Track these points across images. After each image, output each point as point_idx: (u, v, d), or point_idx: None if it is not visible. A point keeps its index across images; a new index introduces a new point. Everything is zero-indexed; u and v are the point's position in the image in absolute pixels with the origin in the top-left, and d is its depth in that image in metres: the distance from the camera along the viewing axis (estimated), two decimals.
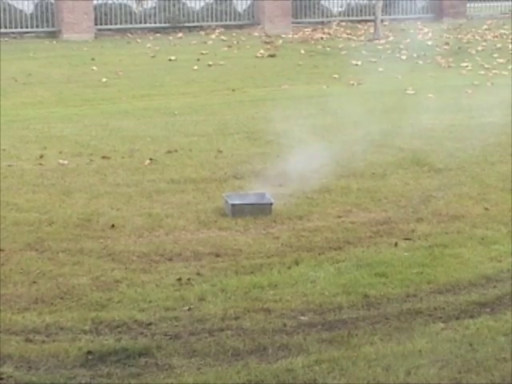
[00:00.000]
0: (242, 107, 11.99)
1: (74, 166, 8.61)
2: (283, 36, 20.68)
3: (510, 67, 15.47)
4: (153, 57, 17.49)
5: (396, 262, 5.93)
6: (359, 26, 22.13)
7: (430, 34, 20.77)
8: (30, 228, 6.69)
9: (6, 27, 20.64)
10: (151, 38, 20.62)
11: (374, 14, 20.99)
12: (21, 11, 20.93)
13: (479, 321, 5.02)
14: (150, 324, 4.99)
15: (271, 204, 7.10)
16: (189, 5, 22.42)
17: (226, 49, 18.66)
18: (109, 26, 21.46)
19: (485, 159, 8.70)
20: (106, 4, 21.71)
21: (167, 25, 21.83)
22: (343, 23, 22.75)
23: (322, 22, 22.86)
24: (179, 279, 5.65)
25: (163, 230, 6.70)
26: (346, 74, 15.02)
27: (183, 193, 7.67)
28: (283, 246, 6.31)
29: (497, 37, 20.32)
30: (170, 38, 20.59)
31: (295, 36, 20.94)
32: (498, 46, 18.66)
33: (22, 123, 10.87)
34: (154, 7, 22.25)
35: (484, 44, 19.04)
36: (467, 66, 15.79)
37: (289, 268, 5.86)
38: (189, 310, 5.17)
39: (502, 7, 25.54)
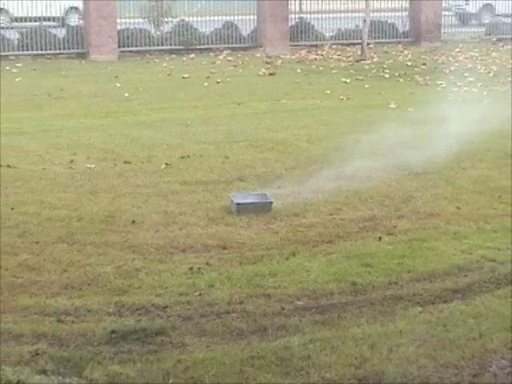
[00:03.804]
0: (246, 119, 11.99)
1: (99, 170, 8.61)
2: (282, 57, 20.68)
3: (479, 85, 15.45)
4: (169, 75, 17.49)
5: (380, 254, 5.93)
6: (348, 49, 22.11)
7: (409, 56, 20.77)
8: (62, 223, 6.70)
9: (42, 49, 20.65)
10: (167, 58, 20.63)
11: (361, 38, 20.98)
12: (55, 35, 20.96)
13: (452, 305, 5.02)
14: (166, 307, 4.99)
15: (271, 203, 7.10)
16: (200, 29, 22.45)
17: (232, 68, 18.66)
18: (130, 48, 21.46)
19: (457, 165, 8.69)
20: (128, 29, 21.73)
21: (181, 47, 21.82)
22: (334, 46, 22.73)
23: (316, 45, 22.84)
24: (191, 268, 5.64)
25: (177, 225, 6.70)
26: (337, 90, 15.03)
27: (194, 193, 7.67)
28: (282, 240, 6.31)
29: (467, 58, 20.29)
30: (184, 58, 20.59)
31: (292, 57, 20.93)
32: (469, 66, 18.63)
33: (55, 132, 10.88)
34: (170, 32, 22.27)
35: (456, 65, 19.02)
36: (442, 84, 15.77)
37: (286, 259, 5.86)
38: (199, 295, 5.17)
39: (473, 33, 25.55)
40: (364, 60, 19.78)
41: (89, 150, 9.66)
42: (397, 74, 17.40)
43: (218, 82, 16.14)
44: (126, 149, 9.69)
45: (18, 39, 20.71)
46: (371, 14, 21.50)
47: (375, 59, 20.06)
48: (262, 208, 7.03)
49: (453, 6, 27.98)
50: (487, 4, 28.80)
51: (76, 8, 24.87)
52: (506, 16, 25.61)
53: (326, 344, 4.45)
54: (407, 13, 24.58)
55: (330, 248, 6.11)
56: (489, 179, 8.17)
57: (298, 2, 24.62)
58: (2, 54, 20.17)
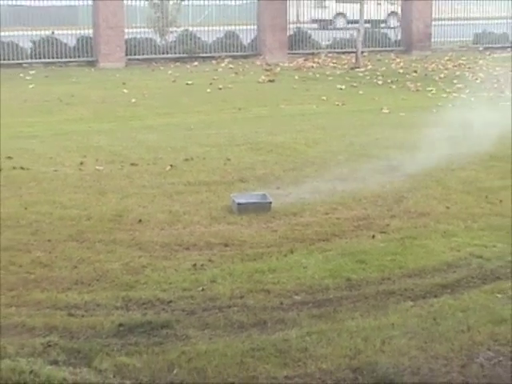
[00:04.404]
0: (246, 123, 11.99)
1: (108, 171, 8.61)
2: (281, 64, 20.70)
3: (467, 91, 15.46)
4: (173, 81, 17.51)
5: (373, 251, 5.92)
6: (343, 57, 22.13)
7: (401, 64, 20.79)
8: (72, 222, 6.70)
9: (53, 57, 20.69)
10: (172, 66, 20.64)
11: (355, 47, 20.99)
12: (65, 44, 20.99)
13: (441, 300, 5.02)
14: (170, 302, 4.99)
15: (270, 203, 7.10)
16: (203, 39, 22.47)
17: (233, 75, 18.67)
18: (137, 56, 21.48)
19: (447, 166, 8.68)
20: (135, 38, 21.77)
21: (185, 55, 21.84)
22: (330, 54, 22.75)
23: (313, 53, 22.86)
24: (194, 265, 5.64)
25: (181, 224, 6.69)
26: (333, 96, 15.04)
27: (198, 193, 7.67)
28: (280, 238, 6.31)
29: (456, 66, 20.32)
30: (188, 66, 20.61)
31: (290, 64, 20.95)
32: (457, 73, 18.66)
33: (66, 136, 10.88)
34: (175, 41, 22.29)
35: (446, 72, 19.04)
36: (432, 90, 15.79)
37: (285, 256, 5.86)
38: (202, 290, 5.17)
39: (461, 42, 25.57)
40: (358, 68, 19.78)
41: (97, 152, 9.66)
42: (389, 81, 17.40)
43: (220, 89, 16.14)
44: (133, 151, 9.69)
45: (30, 48, 20.74)
46: (365, 25, 21.50)
47: (369, 67, 20.07)
48: (262, 208, 7.03)
49: None
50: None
51: (395, 13, 27.16)
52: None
53: (322, 336, 4.44)
54: (399, 23, 24.59)
55: (326, 246, 6.10)
56: (476, 180, 8.17)
57: (295, 13, 24.62)
58: (16, 61, 20.21)
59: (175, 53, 21.95)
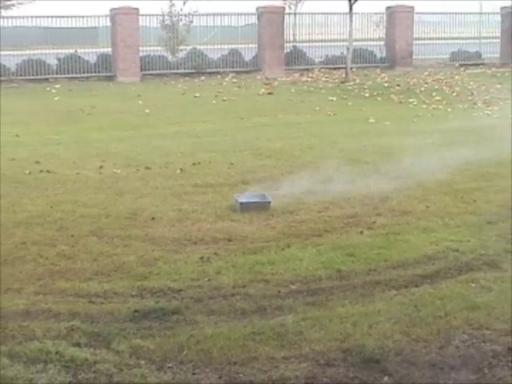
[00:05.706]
0: (248, 131, 11.99)
1: (124, 174, 8.61)
2: (278, 79, 20.69)
3: (444, 103, 15.45)
4: (183, 94, 17.50)
5: (361, 246, 5.92)
6: (334, 72, 22.12)
7: (386, 78, 20.78)
8: (93, 220, 6.69)
9: (76, 73, 20.70)
10: (182, 80, 20.63)
11: (345, 63, 20.98)
12: (87, 61, 21.01)
13: (422, 289, 5.01)
14: (180, 290, 4.98)
15: (269, 202, 7.09)
16: (209, 56, 22.47)
17: (236, 88, 18.66)
18: (151, 72, 21.48)
19: (426, 170, 8.67)
20: (149, 55, 21.77)
21: (193, 71, 21.83)
22: (323, 70, 22.74)
23: (307, 69, 22.85)
24: (201, 258, 5.64)
25: (190, 221, 6.69)
26: (325, 107, 15.04)
27: (204, 194, 7.66)
28: (278, 234, 6.30)
29: (435, 81, 20.30)
30: (196, 80, 20.60)
31: (287, 79, 20.94)
32: (436, 87, 18.65)
33: (87, 143, 10.88)
34: (184, 58, 22.29)
35: (425, 86, 19.03)
36: (413, 102, 15.78)
37: (282, 250, 5.85)
38: (208, 280, 5.16)
39: (439, 59, 25.55)
40: (348, 82, 19.78)
41: (115, 157, 9.66)
42: (375, 94, 17.40)
43: (225, 100, 16.14)
44: (147, 156, 9.69)
45: (56, 64, 20.77)
46: (354, 43, 21.49)
47: (357, 81, 20.06)
48: (262, 207, 7.02)
49: None
50: None
51: None
52: None
53: (315, 321, 4.44)
54: (384, 42, 24.60)
55: (319, 240, 6.09)
56: (453, 182, 8.15)
57: (292, 33, 24.62)
58: (43, 77, 20.22)
59: (184, 68, 21.93)
